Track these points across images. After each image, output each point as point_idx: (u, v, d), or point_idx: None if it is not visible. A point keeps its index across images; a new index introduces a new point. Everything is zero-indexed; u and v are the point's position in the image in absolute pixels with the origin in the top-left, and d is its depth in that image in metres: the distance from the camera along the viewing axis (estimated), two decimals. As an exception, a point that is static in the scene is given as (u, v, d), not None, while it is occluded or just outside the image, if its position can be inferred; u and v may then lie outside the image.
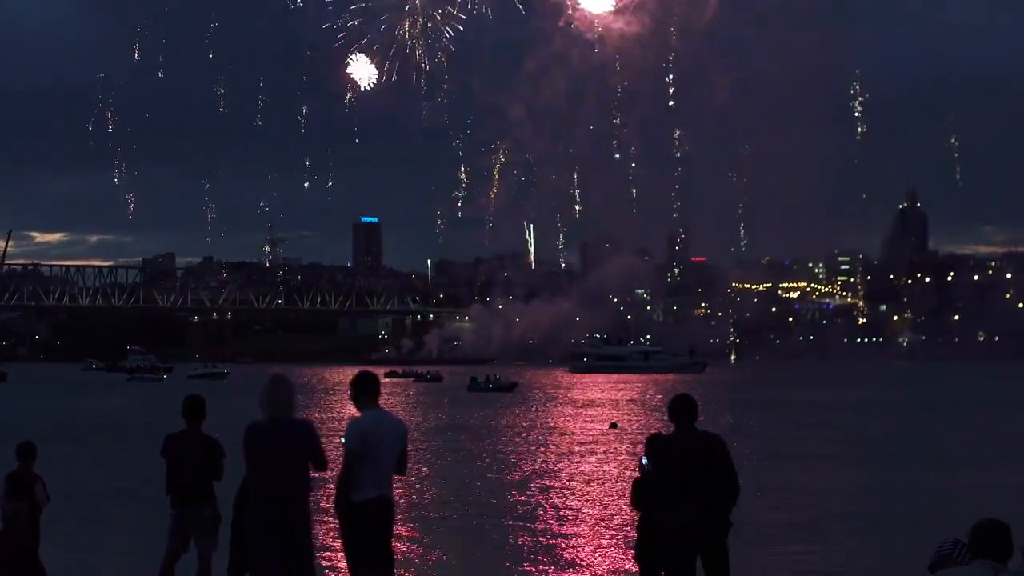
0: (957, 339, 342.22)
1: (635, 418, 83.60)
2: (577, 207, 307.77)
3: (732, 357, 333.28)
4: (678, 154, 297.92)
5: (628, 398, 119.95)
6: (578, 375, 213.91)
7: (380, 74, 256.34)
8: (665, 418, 14.19)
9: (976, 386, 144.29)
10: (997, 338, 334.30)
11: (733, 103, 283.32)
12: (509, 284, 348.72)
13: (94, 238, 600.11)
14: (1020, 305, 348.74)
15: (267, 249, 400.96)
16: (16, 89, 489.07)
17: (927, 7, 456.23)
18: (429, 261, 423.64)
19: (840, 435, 68.69)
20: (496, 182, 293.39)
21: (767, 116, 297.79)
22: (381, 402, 14.61)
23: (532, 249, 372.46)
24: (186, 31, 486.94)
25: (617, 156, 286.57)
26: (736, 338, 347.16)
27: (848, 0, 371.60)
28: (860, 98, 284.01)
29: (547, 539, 28.99)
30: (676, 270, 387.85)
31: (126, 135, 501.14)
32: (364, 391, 14.29)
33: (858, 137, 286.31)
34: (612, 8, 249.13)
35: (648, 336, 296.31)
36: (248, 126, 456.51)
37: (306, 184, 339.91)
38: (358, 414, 14.27)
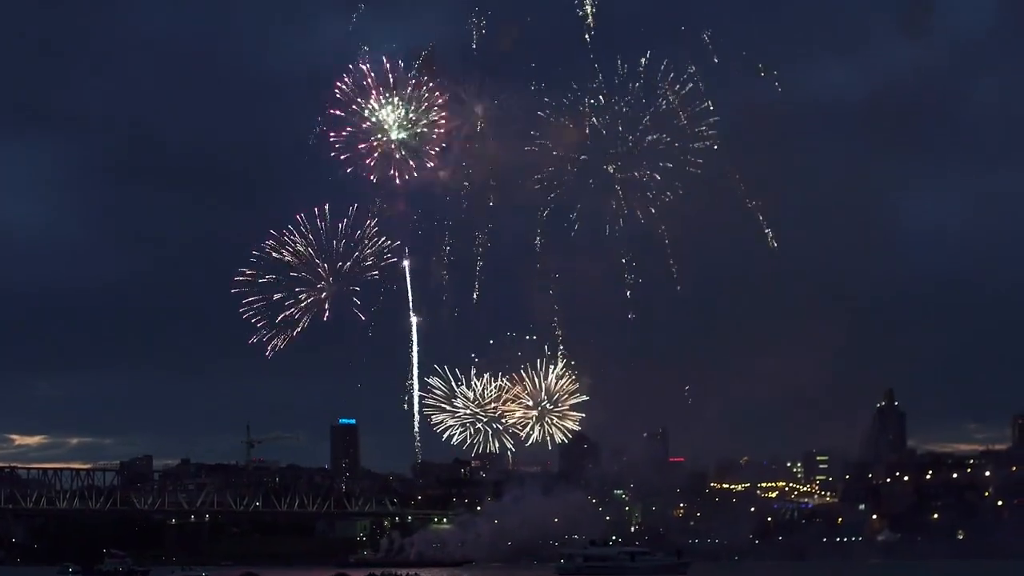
0: (936, 538, 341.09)
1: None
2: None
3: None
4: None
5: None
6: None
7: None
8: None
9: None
10: (976, 536, 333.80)
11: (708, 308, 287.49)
12: (488, 486, 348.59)
13: (74, 440, 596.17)
14: (999, 503, 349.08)
15: (246, 448, 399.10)
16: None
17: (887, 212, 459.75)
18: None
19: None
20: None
21: (745, 318, 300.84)
22: None
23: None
24: (160, 236, 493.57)
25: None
26: (717, 539, 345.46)
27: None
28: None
29: None
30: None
31: (106, 339, 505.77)
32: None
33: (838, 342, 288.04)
34: None
35: (617, 537, 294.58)
36: (225, 329, 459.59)
37: (283, 386, 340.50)
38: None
